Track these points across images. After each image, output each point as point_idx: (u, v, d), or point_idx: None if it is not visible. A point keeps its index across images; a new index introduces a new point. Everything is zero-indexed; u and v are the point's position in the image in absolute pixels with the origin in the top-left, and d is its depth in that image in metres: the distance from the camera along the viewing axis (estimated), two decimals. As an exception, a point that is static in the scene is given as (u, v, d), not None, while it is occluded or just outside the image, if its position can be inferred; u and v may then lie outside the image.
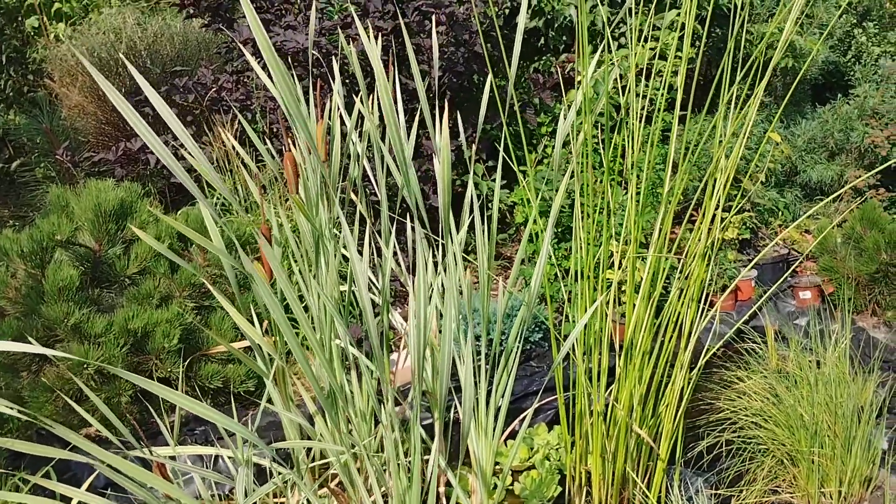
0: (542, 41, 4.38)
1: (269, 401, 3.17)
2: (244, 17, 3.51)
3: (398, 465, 2.01)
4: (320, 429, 1.88)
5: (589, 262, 2.28)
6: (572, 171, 3.46)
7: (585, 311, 2.35)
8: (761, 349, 3.22)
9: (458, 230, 2.32)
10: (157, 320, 2.87)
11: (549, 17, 4.33)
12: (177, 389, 3.05)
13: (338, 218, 2.27)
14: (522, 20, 2.17)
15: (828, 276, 3.79)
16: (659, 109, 2.26)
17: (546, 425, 3.03)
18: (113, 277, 3.05)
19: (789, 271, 4.02)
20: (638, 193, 2.31)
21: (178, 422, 1.72)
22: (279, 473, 1.72)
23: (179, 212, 3.32)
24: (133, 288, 3.00)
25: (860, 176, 4.18)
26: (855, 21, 5.03)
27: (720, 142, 2.24)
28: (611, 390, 2.37)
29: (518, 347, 2.21)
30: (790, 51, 4.29)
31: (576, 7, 4.28)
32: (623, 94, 3.99)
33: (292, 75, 3.34)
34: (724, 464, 2.58)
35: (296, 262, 2.14)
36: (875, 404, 2.60)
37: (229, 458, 2.87)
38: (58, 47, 4.56)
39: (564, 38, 4.42)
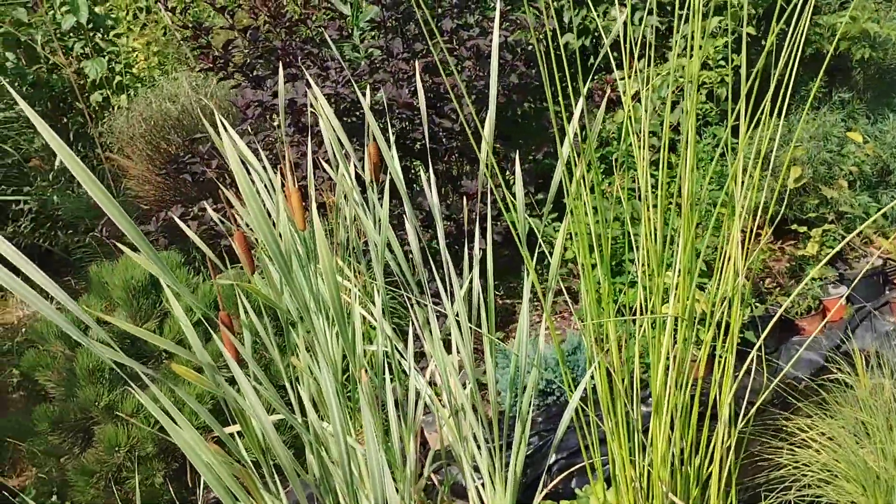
0: (590, 60, 4.14)
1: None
2: (270, 75, 3.46)
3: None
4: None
5: (607, 293, 2.06)
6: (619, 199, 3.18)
7: (640, 352, 2.11)
8: (851, 378, 2.87)
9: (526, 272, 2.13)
10: (183, 399, 2.80)
11: (595, 34, 4.09)
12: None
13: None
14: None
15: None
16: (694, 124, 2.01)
17: (606, 481, 2.78)
18: (149, 353, 3.02)
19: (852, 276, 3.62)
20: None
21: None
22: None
23: (218, 276, 3.27)
24: (168, 362, 2.96)
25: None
26: (948, -3, 4.54)
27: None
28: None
29: (531, 405, 2.01)
30: (866, 40, 3.89)
31: (624, 23, 4.03)
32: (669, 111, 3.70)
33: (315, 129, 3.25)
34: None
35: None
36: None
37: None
38: (117, 119, 4.66)
39: (615, 54, 4.17)
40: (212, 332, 3.12)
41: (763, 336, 1.99)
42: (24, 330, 3.82)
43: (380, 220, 1.87)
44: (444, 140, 3.51)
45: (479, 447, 2.02)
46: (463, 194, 3.53)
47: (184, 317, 1.68)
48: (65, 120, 5.20)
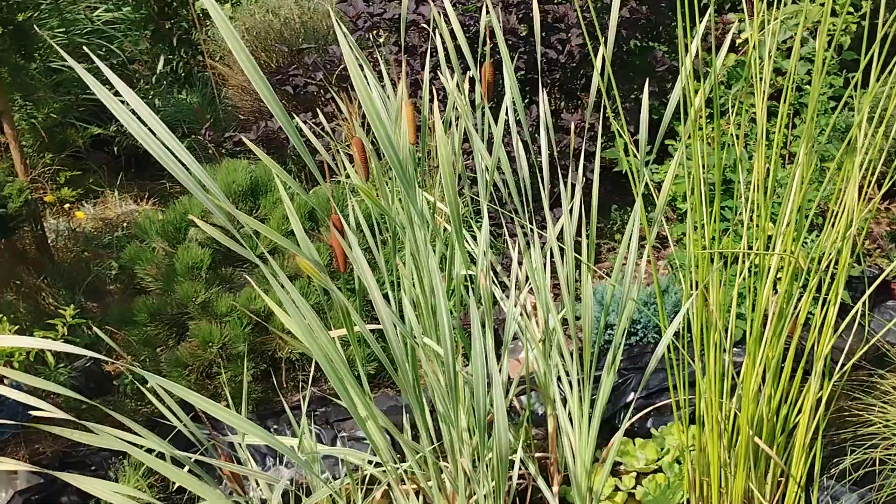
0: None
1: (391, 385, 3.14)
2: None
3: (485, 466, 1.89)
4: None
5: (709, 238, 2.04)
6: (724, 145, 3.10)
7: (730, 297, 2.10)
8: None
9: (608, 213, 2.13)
10: (278, 300, 2.89)
11: (711, -27, 3.96)
12: (300, 370, 3.07)
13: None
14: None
15: None
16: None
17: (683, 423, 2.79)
18: (244, 258, 3.11)
19: None
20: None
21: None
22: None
23: (311, 191, 3.34)
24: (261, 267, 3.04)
25: None
26: None
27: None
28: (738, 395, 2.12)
29: (621, 344, 2.01)
30: None
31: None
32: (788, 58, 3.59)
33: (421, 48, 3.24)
34: (879, 482, 2.25)
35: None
36: None
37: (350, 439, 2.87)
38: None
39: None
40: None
41: (866, 294, 1.95)
42: (124, 224, 3.97)
43: (492, 137, 1.87)
44: (546, 71, 3.47)
45: (568, 375, 2.05)
46: (561, 128, 3.50)
47: (293, 213, 1.72)
48: (168, 25, 5.28)
